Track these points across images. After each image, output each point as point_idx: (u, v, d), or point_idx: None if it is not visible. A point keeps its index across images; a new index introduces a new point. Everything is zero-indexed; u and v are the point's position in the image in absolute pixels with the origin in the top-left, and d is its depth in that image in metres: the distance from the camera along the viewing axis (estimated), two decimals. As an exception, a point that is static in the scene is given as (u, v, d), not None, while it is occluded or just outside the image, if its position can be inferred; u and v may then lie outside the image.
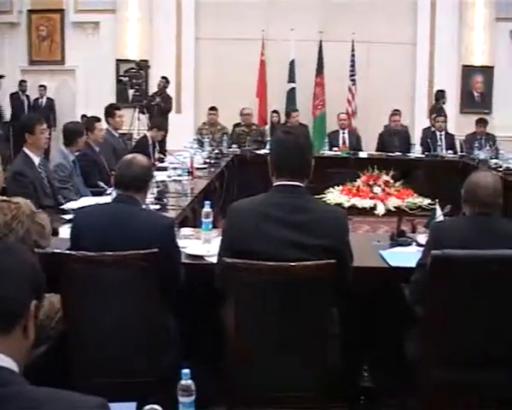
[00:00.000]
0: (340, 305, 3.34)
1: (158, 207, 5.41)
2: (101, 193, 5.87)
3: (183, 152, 8.80)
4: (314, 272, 2.97)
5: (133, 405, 2.31)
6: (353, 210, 7.55)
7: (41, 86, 14.16)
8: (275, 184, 3.21)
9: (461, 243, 3.17)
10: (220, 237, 3.35)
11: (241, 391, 3.15)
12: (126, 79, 12.06)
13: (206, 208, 4.27)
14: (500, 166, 9.16)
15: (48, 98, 14.24)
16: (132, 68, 12.23)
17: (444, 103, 12.40)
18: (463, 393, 3.31)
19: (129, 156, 3.75)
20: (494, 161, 9.72)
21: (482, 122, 11.47)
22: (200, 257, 3.91)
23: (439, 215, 4.47)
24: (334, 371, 3.18)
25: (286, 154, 3.20)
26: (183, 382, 2.45)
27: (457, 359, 3.19)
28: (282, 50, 13.58)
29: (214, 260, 3.44)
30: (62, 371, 3.24)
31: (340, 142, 11.31)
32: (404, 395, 3.76)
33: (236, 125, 11.75)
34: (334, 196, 7.78)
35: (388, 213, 7.65)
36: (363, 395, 3.76)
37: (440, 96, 12.47)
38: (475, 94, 14.10)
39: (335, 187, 8.09)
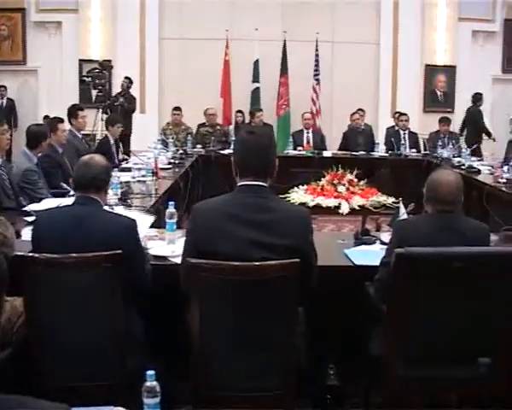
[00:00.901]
0: (305, 304, 3.34)
1: (122, 208, 5.38)
2: (64, 194, 5.82)
3: (147, 152, 8.78)
4: (279, 272, 2.96)
5: None
6: (318, 209, 7.60)
7: (1, 87, 13.99)
8: (239, 184, 3.20)
9: (424, 241, 3.19)
10: (184, 238, 3.34)
11: (208, 392, 3.13)
12: (89, 79, 11.98)
13: (170, 209, 4.25)
14: (463, 165, 9.26)
15: (8, 99, 14.05)
16: (95, 68, 12.14)
17: (480, 106, 12.46)
18: (427, 390, 3.34)
19: (86, 157, 3.71)
20: (457, 159, 9.81)
21: (445, 121, 11.58)
22: (165, 258, 3.90)
23: (403, 213, 4.50)
24: (300, 370, 3.19)
25: (249, 154, 3.19)
26: (147, 383, 2.43)
27: (421, 356, 3.21)
28: (247, 50, 13.60)
29: (179, 260, 3.42)
30: (25, 375, 3.20)
31: (305, 141, 11.34)
32: (369, 392, 3.78)
33: (201, 125, 11.73)
34: (299, 195, 7.82)
35: (353, 211, 7.71)
36: (329, 394, 3.77)
37: (478, 98, 12.50)
38: (438, 93, 14.29)
39: (300, 186, 8.13)
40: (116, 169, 6.73)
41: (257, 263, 2.96)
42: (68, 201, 4.32)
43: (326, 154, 10.76)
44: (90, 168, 3.56)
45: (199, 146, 10.91)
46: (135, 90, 12.76)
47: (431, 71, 14.29)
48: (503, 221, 6.02)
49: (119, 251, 3.16)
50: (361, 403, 3.90)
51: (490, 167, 8.99)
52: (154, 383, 2.44)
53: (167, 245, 4.10)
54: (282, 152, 10.48)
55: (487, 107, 14.40)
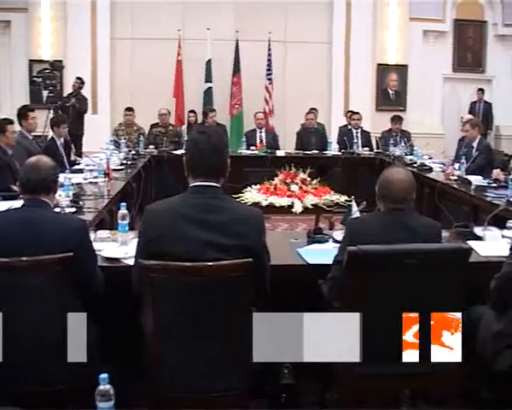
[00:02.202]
0: (258, 304, 3.34)
1: (74, 209, 5.32)
2: (15, 197, 5.73)
3: (100, 153, 8.69)
4: (232, 272, 2.96)
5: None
6: (271, 209, 7.62)
7: None
8: (191, 184, 3.19)
9: (376, 239, 3.22)
10: (137, 239, 3.31)
11: (163, 393, 3.11)
12: (40, 79, 11.80)
13: (122, 210, 4.22)
14: (415, 162, 9.37)
15: (-44, 99, 13.81)
16: (46, 69, 11.94)
17: None
18: (382, 386, 3.36)
19: (33, 159, 3.65)
20: (409, 157, 9.94)
21: (397, 119, 11.70)
22: (118, 260, 3.87)
23: (355, 212, 4.53)
24: (255, 369, 3.18)
25: (200, 154, 3.18)
26: (101, 387, 2.41)
27: (375, 353, 3.23)
28: (199, 50, 13.56)
29: (132, 262, 3.39)
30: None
31: (258, 141, 11.34)
32: (324, 390, 3.79)
33: (153, 125, 11.67)
34: (252, 194, 7.82)
35: (306, 210, 7.73)
36: (284, 393, 3.77)
37: None
38: (390, 92, 14.45)
39: (253, 186, 8.13)
40: (67, 171, 6.65)
41: (209, 263, 2.95)
42: (19, 203, 4.27)
43: (279, 153, 10.78)
44: (39, 170, 3.51)
45: (151, 147, 10.86)
46: (86, 91, 12.64)
47: (383, 70, 14.43)
48: (455, 218, 6.11)
49: (71, 253, 3.12)
50: (316, 401, 3.92)
51: (441, 165, 9.10)
52: (108, 386, 2.41)
53: (120, 247, 4.08)
54: (235, 152, 10.58)
55: (438, 105, 14.67)
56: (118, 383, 2.47)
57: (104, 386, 2.41)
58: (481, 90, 14.85)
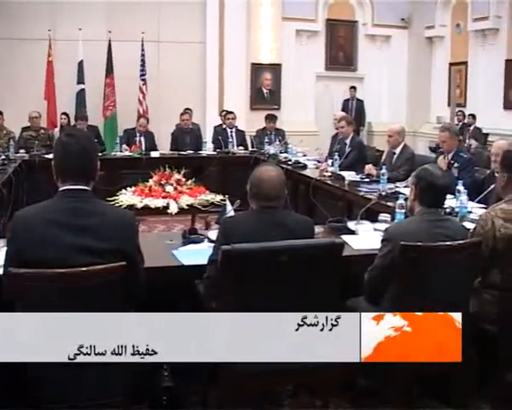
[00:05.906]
0: (134, 306, 3.31)
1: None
2: None
3: (-33, 160, 8.40)
4: (105, 276, 2.92)
5: None
6: (147, 210, 7.57)
7: None
8: (60, 188, 3.13)
9: (249, 237, 3.25)
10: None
11: (44, 405, 3.03)
12: None
13: (-10, 218, 4.10)
14: (289, 160, 9.51)
15: None
16: None
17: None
18: (264, 383, 3.40)
19: None
20: (284, 155, 10.08)
21: (271, 118, 11.87)
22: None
23: (230, 211, 4.57)
24: (134, 373, 3.15)
25: (68, 157, 3.13)
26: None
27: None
28: (71, 51, 13.31)
29: (1, 271, 3.29)
30: None
31: (138, 143, 11.18)
32: (206, 390, 3.79)
33: (24, 129, 11.34)
34: (127, 197, 7.75)
35: (182, 211, 7.74)
36: (165, 395, 3.76)
37: None
38: (264, 91, 14.66)
39: (128, 188, 8.04)
40: None
41: (82, 269, 2.89)
42: None
43: (154, 154, 10.70)
44: None
45: (22, 151, 10.49)
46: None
47: (257, 69, 14.64)
48: (330, 213, 6.24)
49: None
50: (199, 402, 3.92)
51: (315, 162, 9.27)
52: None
53: (-12, 256, 3.94)
54: (109, 154, 10.52)
55: (311, 103, 14.99)
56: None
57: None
58: (353, 87, 15.34)
